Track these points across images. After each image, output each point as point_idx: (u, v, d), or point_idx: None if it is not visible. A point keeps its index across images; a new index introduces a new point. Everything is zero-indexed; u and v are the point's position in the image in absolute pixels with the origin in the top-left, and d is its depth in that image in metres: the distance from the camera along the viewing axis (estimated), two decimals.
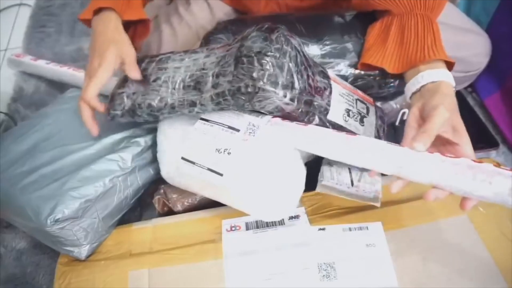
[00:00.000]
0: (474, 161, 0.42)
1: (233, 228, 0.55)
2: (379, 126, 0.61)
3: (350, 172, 0.58)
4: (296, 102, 0.49)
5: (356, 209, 0.56)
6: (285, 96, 0.48)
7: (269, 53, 0.47)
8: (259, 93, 0.46)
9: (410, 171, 0.44)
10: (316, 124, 0.53)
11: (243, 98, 0.47)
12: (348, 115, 0.57)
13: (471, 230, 0.52)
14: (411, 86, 0.52)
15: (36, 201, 0.52)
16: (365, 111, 0.60)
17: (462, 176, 0.41)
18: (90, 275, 0.53)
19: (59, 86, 0.91)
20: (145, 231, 0.59)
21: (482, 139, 0.76)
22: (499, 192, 0.40)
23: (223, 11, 0.73)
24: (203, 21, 0.72)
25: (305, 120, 0.52)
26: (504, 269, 0.48)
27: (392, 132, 0.70)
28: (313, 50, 0.59)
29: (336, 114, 0.55)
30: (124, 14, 0.57)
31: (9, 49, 1.10)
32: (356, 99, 0.59)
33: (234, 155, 0.51)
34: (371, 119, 0.60)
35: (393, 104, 0.71)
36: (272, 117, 0.52)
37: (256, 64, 0.46)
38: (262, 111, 0.51)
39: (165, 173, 0.59)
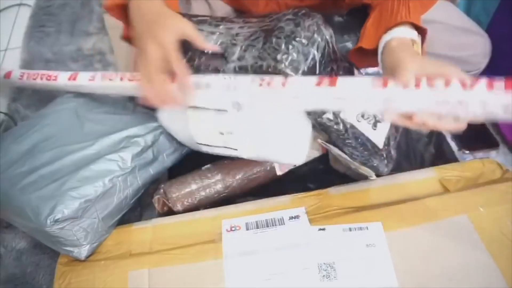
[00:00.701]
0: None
1: (233, 228, 0.55)
2: (391, 134, 0.61)
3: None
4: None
5: (356, 209, 0.56)
6: None
7: (297, 39, 0.47)
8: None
9: (399, 101, 0.42)
10: (328, 119, 0.53)
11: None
12: (362, 116, 0.58)
13: (471, 230, 0.52)
14: (380, 48, 0.50)
15: (36, 201, 0.52)
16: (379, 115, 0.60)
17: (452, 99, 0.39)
18: (90, 275, 0.53)
19: None
20: (145, 231, 0.58)
21: (482, 139, 0.76)
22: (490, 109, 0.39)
23: (223, 11, 0.73)
24: None
25: (319, 112, 0.52)
26: (504, 269, 0.48)
27: None
28: None
29: (350, 113, 0.56)
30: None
31: (9, 49, 1.10)
32: None
33: (236, 133, 0.55)
34: (384, 126, 0.60)
35: None
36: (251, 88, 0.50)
37: (283, 46, 0.47)
38: None
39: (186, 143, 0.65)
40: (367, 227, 0.53)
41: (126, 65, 0.76)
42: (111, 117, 0.64)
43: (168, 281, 0.51)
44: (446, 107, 0.40)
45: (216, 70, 0.51)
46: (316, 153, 0.66)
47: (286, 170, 0.66)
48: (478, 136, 0.76)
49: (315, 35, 0.48)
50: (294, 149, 0.58)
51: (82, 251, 0.55)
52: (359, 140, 0.56)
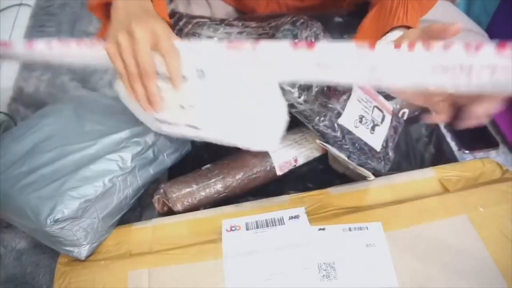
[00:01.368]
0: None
1: (233, 228, 0.55)
2: (389, 136, 0.61)
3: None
4: (309, 103, 0.49)
5: (356, 209, 0.56)
6: (299, 97, 0.48)
7: None
8: None
9: (388, 67, 0.37)
10: (325, 125, 0.53)
11: None
12: (360, 122, 0.57)
13: (471, 230, 0.52)
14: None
15: (36, 201, 0.52)
16: (379, 119, 0.60)
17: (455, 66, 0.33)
18: (90, 275, 0.53)
19: (59, 86, 0.91)
20: (145, 231, 0.58)
21: (482, 139, 0.76)
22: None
23: (224, 11, 0.73)
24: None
25: (315, 120, 0.52)
26: (504, 269, 0.48)
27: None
28: None
29: (348, 119, 0.56)
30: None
31: None
32: (374, 106, 0.59)
33: (199, 107, 0.49)
34: (383, 129, 0.60)
35: (393, 104, 0.71)
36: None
37: None
38: None
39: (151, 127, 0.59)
40: (367, 227, 0.53)
41: None
42: (111, 117, 0.64)
43: (168, 281, 0.51)
44: (445, 75, 0.34)
45: None
46: (316, 153, 0.67)
47: (286, 170, 0.66)
48: (478, 136, 0.77)
49: None
50: (266, 131, 0.53)
51: (82, 251, 0.55)
52: (356, 145, 0.57)
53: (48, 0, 1.20)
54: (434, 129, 0.77)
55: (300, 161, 0.66)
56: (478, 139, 0.76)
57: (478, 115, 0.37)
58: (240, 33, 0.53)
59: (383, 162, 0.60)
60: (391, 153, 0.62)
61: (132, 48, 0.43)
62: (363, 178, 0.59)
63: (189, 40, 0.46)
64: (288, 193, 0.62)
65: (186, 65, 0.46)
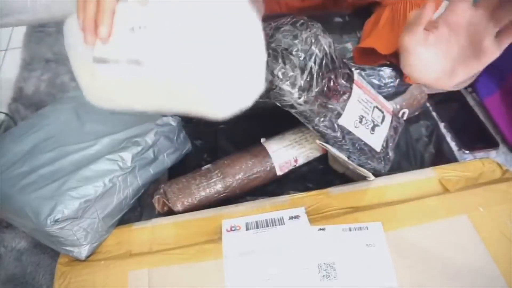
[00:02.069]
0: None
1: (233, 228, 0.55)
2: (389, 136, 0.61)
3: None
4: (309, 104, 0.49)
5: (356, 209, 0.56)
6: (299, 98, 0.48)
7: (294, 52, 0.46)
8: (275, 90, 0.47)
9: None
10: (325, 126, 0.53)
11: None
12: (360, 122, 0.57)
13: (471, 230, 0.52)
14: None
15: (36, 201, 0.52)
16: (380, 119, 0.60)
17: None
18: (90, 275, 0.53)
19: (59, 86, 0.91)
20: (145, 231, 0.58)
21: (482, 139, 0.76)
22: None
23: None
24: None
25: (315, 120, 0.52)
26: (504, 269, 0.48)
27: None
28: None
29: (348, 119, 0.55)
30: None
31: (9, 49, 1.10)
32: (374, 107, 0.59)
33: (152, 28, 0.38)
34: (383, 129, 0.60)
35: (393, 104, 0.71)
36: None
37: (279, 60, 0.46)
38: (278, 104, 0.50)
39: (86, 93, 0.47)
40: (367, 227, 0.53)
41: None
42: (111, 117, 0.64)
43: (168, 281, 0.51)
44: None
45: None
46: (316, 153, 0.67)
47: (286, 170, 0.66)
48: (478, 136, 0.77)
49: (313, 47, 0.48)
50: (236, 69, 0.39)
51: (82, 251, 0.55)
52: (356, 145, 0.57)
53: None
54: (434, 129, 0.77)
55: (300, 161, 0.66)
56: (478, 139, 0.76)
57: None
58: None
59: (383, 163, 0.60)
60: (391, 153, 0.62)
61: None
62: (363, 178, 0.59)
63: None
64: (288, 193, 0.62)
65: None
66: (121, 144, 0.60)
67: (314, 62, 0.48)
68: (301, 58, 0.47)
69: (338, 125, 0.54)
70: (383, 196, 0.58)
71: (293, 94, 0.47)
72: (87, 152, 0.58)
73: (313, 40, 0.48)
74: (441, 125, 0.78)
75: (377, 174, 0.60)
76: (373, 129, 0.58)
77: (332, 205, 0.57)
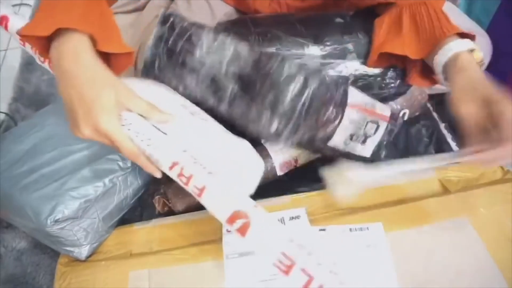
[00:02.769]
0: None
1: None
2: (381, 142, 0.62)
3: None
4: (299, 145, 0.54)
5: (356, 210, 0.56)
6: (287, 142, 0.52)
7: (280, 105, 0.49)
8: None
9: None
10: (313, 150, 0.55)
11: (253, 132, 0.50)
12: (351, 139, 0.57)
13: (471, 231, 0.52)
14: (442, 57, 0.50)
15: (36, 201, 0.52)
16: (373, 131, 0.60)
17: None
18: (90, 275, 0.53)
19: None
20: (145, 231, 0.58)
21: None
22: None
23: (224, 11, 0.73)
24: (204, 21, 0.72)
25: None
26: (504, 269, 0.48)
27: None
28: (314, 50, 0.59)
29: (338, 140, 0.56)
30: (103, 43, 0.44)
31: (9, 49, 1.10)
32: (368, 122, 0.59)
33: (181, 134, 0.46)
34: (376, 137, 0.60)
35: (394, 104, 0.71)
36: None
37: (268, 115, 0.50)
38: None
39: None
40: (367, 228, 0.53)
41: None
42: None
43: (168, 281, 0.51)
44: None
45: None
46: (316, 153, 0.66)
47: (286, 170, 0.65)
48: None
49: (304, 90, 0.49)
50: (241, 175, 0.48)
51: (83, 251, 0.55)
52: (347, 156, 0.58)
53: None
54: (434, 129, 0.77)
55: (301, 161, 0.66)
56: None
57: None
58: (232, 61, 0.52)
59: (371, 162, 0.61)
60: (384, 153, 0.62)
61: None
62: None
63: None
64: (289, 194, 0.62)
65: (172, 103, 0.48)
66: None
67: (303, 105, 0.50)
68: (288, 109, 0.49)
69: (327, 146, 0.55)
70: (384, 196, 0.58)
71: (279, 144, 0.50)
72: (87, 151, 0.58)
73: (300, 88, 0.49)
74: (442, 126, 0.78)
75: None
76: (364, 141, 0.59)
77: (332, 205, 0.57)
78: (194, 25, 0.54)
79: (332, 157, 0.61)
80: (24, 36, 0.44)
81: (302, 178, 0.68)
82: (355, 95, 0.56)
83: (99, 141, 0.43)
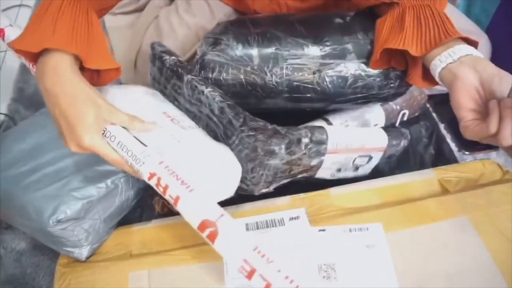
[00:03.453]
0: None
1: None
2: (381, 163, 0.62)
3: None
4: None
5: (356, 210, 0.56)
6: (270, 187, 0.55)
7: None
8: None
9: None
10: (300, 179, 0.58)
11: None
12: (339, 171, 0.59)
13: (471, 231, 0.52)
14: (445, 58, 0.49)
15: (39, 200, 0.52)
16: (365, 162, 0.60)
17: None
18: (90, 276, 0.53)
19: None
20: (145, 231, 0.58)
21: None
22: None
23: (223, 12, 0.73)
24: (203, 21, 0.72)
25: None
26: (504, 269, 0.48)
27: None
28: (313, 51, 0.59)
29: (322, 174, 0.58)
30: (89, 61, 0.46)
31: (9, 50, 1.10)
32: (356, 158, 0.60)
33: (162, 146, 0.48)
34: (370, 165, 0.61)
35: (393, 105, 0.71)
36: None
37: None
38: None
39: None
40: (367, 228, 0.53)
41: (125, 68, 0.76)
42: None
43: (168, 282, 0.51)
44: None
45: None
46: None
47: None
48: None
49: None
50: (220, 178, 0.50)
51: (83, 252, 0.55)
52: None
53: None
54: (434, 130, 0.77)
55: None
56: None
57: None
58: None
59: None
60: (385, 169, 0.64)
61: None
62: None
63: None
64: (289, 194, 0.62)
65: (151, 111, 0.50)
66: None
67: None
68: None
69: (314, 177, 0.57)
70: (383, 197, 0.58)
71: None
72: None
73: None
74: (441, 126, 0.78)
75: None
76: (356, 169, 0.60)
77: (332, 206, 0.57)
78: (175, 72, 0.55)
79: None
80: (15, 49, 0.46)
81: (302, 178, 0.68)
82: (336, 141, 0.56)
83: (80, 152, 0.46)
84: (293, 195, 0.60)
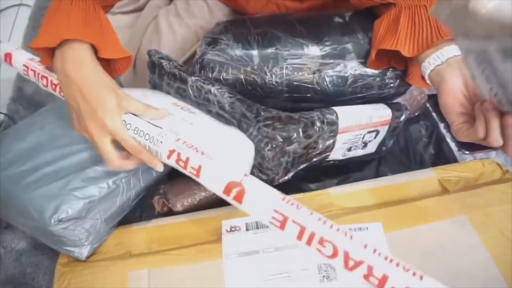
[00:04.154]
0: None
1: (233, 229, 0.55)
2: (386, 137, 0.62)
3: None
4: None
5: (356, 210, 0.56)
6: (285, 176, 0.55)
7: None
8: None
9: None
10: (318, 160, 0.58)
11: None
12: (349, 150, 0.59)
13: (471, 231, 0.52)
14: (433, 60, 0.50)
15: (40, 199, 0.52)
16: (372, 137, 0.60)
17: None
18: (90, 275, 0.53)
19: None
20: (145, 231, 0.58)
21: None
22: None
23: (223, 12, 0.73)
24: (203, 21, 0.72)
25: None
26: (504, 269, 0.48)
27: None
28: (313, 50, 0.60)
29: (335, 155, 0.58)
30: (103, 50, 0.49)
31: None
32: (365, 134, 0.60)
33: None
34: (377, 140, 0.61)
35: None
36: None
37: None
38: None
39: None
40: (367, 228, 0.53)
41: None
42: None
43: (168, 282, 0.51)
44: None
45: None
46: None
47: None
48: None
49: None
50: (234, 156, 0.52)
51: (83, 252, 0.55)
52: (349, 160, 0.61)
53: (47, 0, 1.20)
54: (434, 129, 0.77)
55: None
56: None
57: None
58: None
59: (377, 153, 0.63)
60: (388, 144, 0.64)
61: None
62: None
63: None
64: (288, 194, 0.62)
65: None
66: None
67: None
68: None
69: (326, 160, 0.57)
70: (383, 196, 0.58)
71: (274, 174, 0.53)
72: (91, 152, 0.58)
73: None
74: (441, 126, 0.78)
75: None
76: (364, 146, 0.60)
77: (332, 205, 0.57)
78: (177, 76, 0.56)
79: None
80: (33, 48, 0.50)
81: (302, 178, 0.68)
82: (346, 119, 0.57)
83: (92, 143, 0.48)
84: (293, 195, 0.60)
